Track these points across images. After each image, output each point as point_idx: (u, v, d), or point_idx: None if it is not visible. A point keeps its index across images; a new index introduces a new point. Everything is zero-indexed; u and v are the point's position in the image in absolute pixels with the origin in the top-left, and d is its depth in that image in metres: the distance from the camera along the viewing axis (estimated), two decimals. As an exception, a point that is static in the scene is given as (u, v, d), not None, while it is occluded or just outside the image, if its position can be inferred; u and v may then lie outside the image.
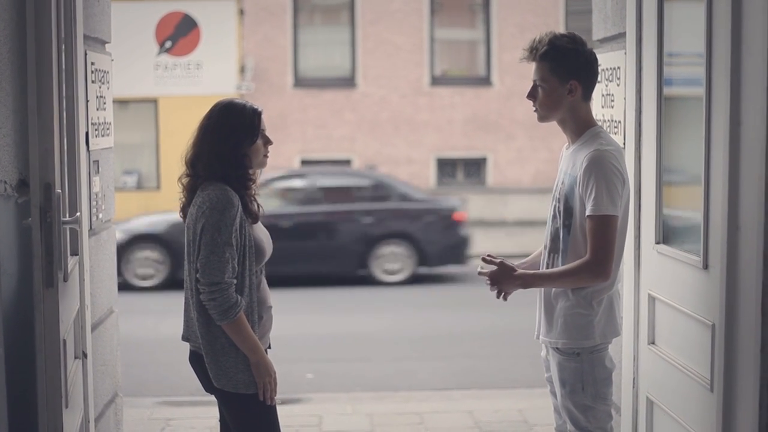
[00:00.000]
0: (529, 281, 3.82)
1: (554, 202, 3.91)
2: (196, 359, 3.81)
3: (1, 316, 3.46)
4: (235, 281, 3.65)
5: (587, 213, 3.70)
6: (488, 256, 3.88)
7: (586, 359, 3.81)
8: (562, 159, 3.98)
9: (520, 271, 3.83)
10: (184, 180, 3.82)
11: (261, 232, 3.86)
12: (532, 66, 3.85)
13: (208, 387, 3.80)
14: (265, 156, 3.84)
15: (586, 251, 3.71)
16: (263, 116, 3.83)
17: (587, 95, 3.86)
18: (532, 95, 3.87)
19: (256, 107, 3.81)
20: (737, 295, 3.42)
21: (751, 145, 3.31)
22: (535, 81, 3.85)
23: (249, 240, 3.71)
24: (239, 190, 3.72)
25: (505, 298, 3.84)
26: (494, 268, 3.83)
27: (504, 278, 3.80)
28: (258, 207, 3.83)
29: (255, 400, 3.71)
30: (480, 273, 3.88)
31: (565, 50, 3.78)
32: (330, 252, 14.04)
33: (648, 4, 4.33)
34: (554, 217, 3.90)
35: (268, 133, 3.85)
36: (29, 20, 3.60)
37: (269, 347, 3.93)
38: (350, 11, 19.81)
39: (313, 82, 19.74)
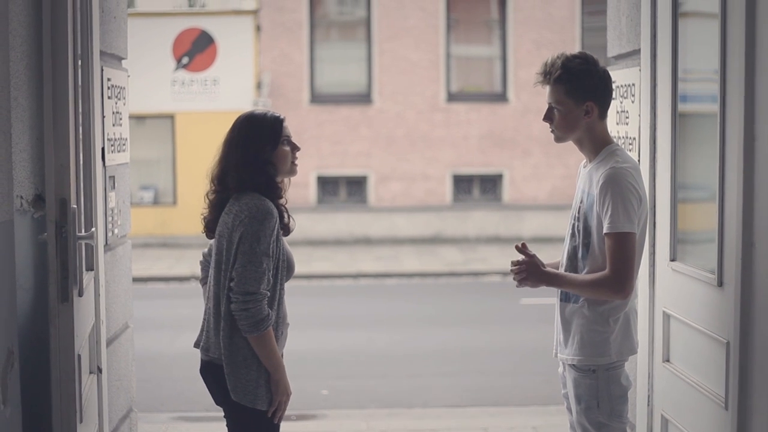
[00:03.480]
0: (553, 279, 3.83)
1: (573, 221, 3.91)
2: (208, 370, 3.76)
3: (16, 331, 3.48)
4: (268, 293, 3.61)
5: (604, 231, 3.70)
6: (522, 244, 3.89)
7: (602, 376, 3.81)
8: (580, 177, 3.97)
9: (547, 268, 3.86)
10: (211, 196, 3.80)
11: (287, 246, 3.83)
12: (546, 88, 3.85)
13: (220, 399, 3.77)
14: (294, 163, 3.83)
15: (605, 270, 3.71)
16: (286, 123, 3.82)
17: (603, 114, 3.86)
18: (548, 117, 3.87)
19: (277, 115, 3.81)
20: (752, 313, 3.40)
21: (765, 161, 3.30)
22: (550, 103, 3.85)
23: (283, 253, 3.69)
24: (272, 201, 3.70)
25: (519, 286, 3.87)
26: (525, 258, 3.85)
27: (533, 270, 3.82)
28: (289, 219, 3.82)
29: (265, 416, 3.69)
30: (513, 262, 3.87)
31: (578, 72, 3.78)
32: None
33: (662, 21, 4.33)
34: (573, 235, 3.89)
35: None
36: (45, 36, 3.63)
37: None
38: (367, 27, 19.84)
39: (330, 98, 19.76)
